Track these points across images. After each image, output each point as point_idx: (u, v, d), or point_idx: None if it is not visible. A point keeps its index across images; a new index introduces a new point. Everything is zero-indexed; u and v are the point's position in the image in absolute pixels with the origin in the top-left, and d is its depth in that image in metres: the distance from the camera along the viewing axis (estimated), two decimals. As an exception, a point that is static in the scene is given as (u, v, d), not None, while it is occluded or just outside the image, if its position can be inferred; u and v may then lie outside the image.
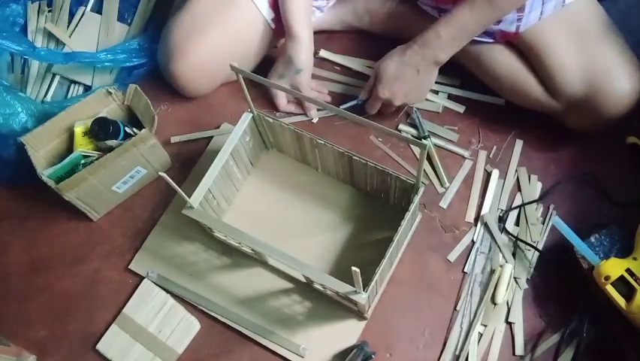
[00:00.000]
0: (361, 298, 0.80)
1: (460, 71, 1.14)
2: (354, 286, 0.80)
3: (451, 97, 1.15)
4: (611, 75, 0.94)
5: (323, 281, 0.82)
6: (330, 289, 0.84)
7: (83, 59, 1.11)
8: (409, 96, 1.03)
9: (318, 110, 1.14)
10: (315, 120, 1.13)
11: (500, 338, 0.94)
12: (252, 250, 0.92)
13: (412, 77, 1.00)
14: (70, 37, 1.22)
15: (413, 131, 1.11)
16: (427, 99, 1.14)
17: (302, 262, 0.83)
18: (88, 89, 1.19)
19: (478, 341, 0.94)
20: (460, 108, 1.13)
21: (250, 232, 0.87)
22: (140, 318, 0.98)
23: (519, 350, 0.93)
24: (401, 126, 1.12)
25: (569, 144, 1.08)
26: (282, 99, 1.13)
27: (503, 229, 1.01)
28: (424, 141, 1.07)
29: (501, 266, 0.98)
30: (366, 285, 0.81)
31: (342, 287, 0.81)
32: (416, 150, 1.10)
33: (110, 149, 0.98)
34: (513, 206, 1.04)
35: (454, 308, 0.97)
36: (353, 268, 0.72)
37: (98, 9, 1.24)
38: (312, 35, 1.06)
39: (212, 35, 1.04)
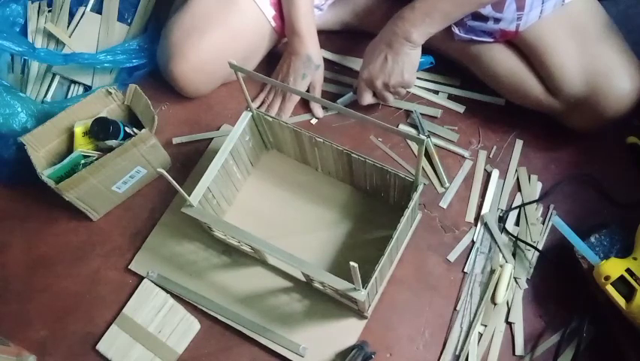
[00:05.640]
0: (360, 295, 0.80)
1: (460, 71, 1.14)
2: (353, 284, 0.80)
3: (451, 97, 1.15)
4: (611, 75, 0.94)
5: (322, 278, 0.82)
6: (330, 286, 0.84)
7: (83, 60, 1.11)
8: (389, 78, 1.02)
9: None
10: (320, 116, 1.13)
11: (500, 338, 0.94)
12: (252, 248, 0.92)
13: (384, 52, 1.00)
14: (70, 37, 1.22)
15: (413, 131, 1.11)
16: (427, 100, 1.14)
17: (301, 260, 0.83)
18: (88, 89, 1.20)
19: (478, 341, 0.94)
20: (460, 108, 1.13)
21: (250, 231, 0.87)
22: (140, 318, 0.98)
23: (519, 350, 0.93)
24: (401, 126, 1.12)
25: (569, 144, 1.08)
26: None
27: (503, 229, 1.01)
28: (421, 136, 1.07)
29: (501, 266, 0.98)
30: (365, 282, 0.81)
31: (341, 284, 0.81)
32: (416, 149, 1.10)
33: (110, 149, 0.98)
34: (513, 206, 1.04)
35: (454, 308, 0.97)
36: (351, 263, 0.72)
37: (98, 9, 1.24)
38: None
39: (213, 35, 1.04)
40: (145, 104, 1.03)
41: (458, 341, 0.94)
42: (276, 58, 1.15)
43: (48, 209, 1.08)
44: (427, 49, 1.03)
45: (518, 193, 1.05)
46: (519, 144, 1.09)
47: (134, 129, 1.04)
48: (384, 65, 1.01)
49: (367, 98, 1.07)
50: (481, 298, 0.97)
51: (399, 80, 1.02)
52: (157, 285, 1.00)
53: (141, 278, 1.01)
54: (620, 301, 0.86)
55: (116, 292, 1.01)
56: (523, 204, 1.03)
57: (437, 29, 0.97)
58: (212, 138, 1.13)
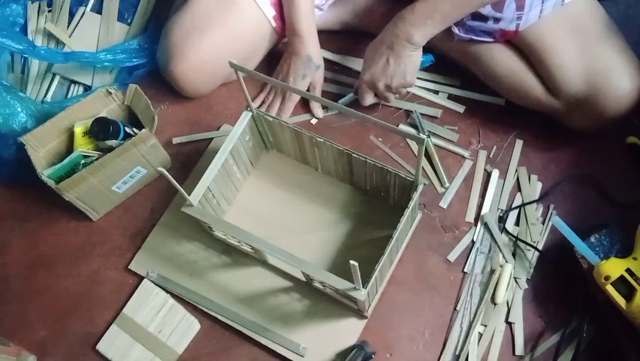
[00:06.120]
0: (360, 294, 0.80)
1: (460, 71, 1.14)
2: (353, 283, 0.80)
3: (451, 97, 1.15)
4: (612, 75, 0.94)
5: (322, 278, 0.82)
6: (330, 286, 0.84)
7: (83, 59, 1.11)
8: (392, 80, 1.02)
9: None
10: (320, 116, 1.13)
11: (500, 338, 0.94)
12: (252, 248, 0.92)
13: (386, 54, 1.00)
14: (70, 37, 1.23)
15: (413, 131, 1.11)
16: (427, 100, 1.14)
17: (301, 259, 0.83)
18: (88, 89, 1.20)
19: (478, 341, 0.94)
20: (460, 108, 1.13)
21: (250, 231, 0.87)
22: (140, 318, 0.98)
23: (519, 350, 0.93)
24: (401, 126, 1.12)
25: (569, 144, 1.08)
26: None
27: (503, 229, 1.01)
28: (421, 135, 1.07)
29: (501, 266, 0.98)
30: (365, 282, 0.81)
31: (341, 284, 0.81)
32: (416, 149, 1.10)
33: (110, 149, 0.98)
34: (513, 206, 1.04)
35: (454, 308, 0.97)
36: (351, 261, 0.72)
37: (98, 9, 1.24)
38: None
39: (213, 35, 1.04)
40: (145, 104, 1.03)
41: (458, 341, 0.94)
42: (276, 58, 1.15)
43: (48, 209, 1.08)
44: (427, 47, 1.03)
45: (518, 193, 1.05)
46: (519, 144, 1.09)
47: (134, 129, 1.04)
48: (386, 67, 1.01)
49: (369, 99, 1.07)
50: (481, 298, 0.97)
51: (401, 82, 1.02)
52: (157, 285, 1.00)
53: (141, 278, 1.01)
54: (620, 301, 0.86)
55: (116, 292, 1.01)
56: (523, 204, 1.03)
57: (438, 30, 0.97)
58: (212, 138, 1.13)
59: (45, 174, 0.97)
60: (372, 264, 0.83)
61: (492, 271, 0.99)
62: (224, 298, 0.98)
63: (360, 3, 1.18)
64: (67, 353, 0.98)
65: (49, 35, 1.23)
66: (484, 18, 1.00)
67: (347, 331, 0.95)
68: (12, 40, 1.07)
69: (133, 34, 1.22)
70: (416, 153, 1.09)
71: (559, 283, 0.97)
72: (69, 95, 1.20)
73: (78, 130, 1.03)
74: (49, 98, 1.19)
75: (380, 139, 1.11)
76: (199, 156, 1.11)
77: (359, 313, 0.95)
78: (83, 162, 1.00)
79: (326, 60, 1.15)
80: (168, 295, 0.99)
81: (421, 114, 1.12)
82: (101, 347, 0.97)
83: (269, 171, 1.08)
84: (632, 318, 0.86)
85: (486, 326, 0.95)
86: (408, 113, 1.13)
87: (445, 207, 1.04)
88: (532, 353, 0.93)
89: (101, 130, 1.01)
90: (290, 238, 0.98)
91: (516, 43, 1.01)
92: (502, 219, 1.02)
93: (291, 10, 1.04)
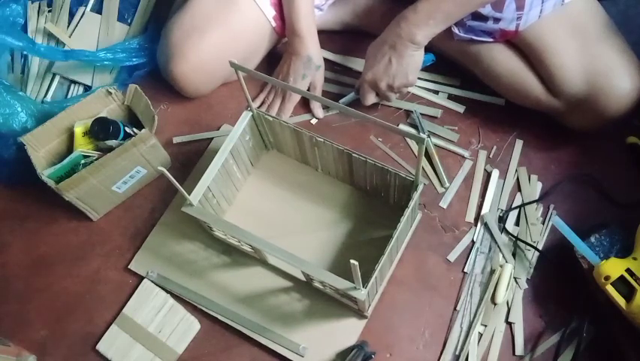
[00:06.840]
0: (360, 294, 0.80)
1: (460, 71, 1.14)
2: (353, 283, 0.80)
3: (451, 97, 1.15)
4: (612, 74, 0.94)
5: (322, 277, 0.82)
6: (330, 286, 0.84)
7: (83, 57, 1.11)
8: (394, 79, 1.02)
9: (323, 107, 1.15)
10: (321, 116, 1.13)
11: (500, 338, 0.94)
12: (252, 248, 0.92)
13: (388, 54, 1.00)
14: (70, 37, 1.22)
15: (413, 131, 1.11)
16: (427, 100, 1.14)
17: (301, 259, 0.83)
18: (88, 89, 1.20)
19: (478, 341, 0.94)
20: (460, 108, 1.13)
21: (250, 231, 0.87)
22: (140, 318, 0.98)
23: (519, 350, 0.93)
24: (401, 126, 1.12)
25: (569, 144, 1.08)
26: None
27: (503, 229, 1.01)
28: (421, 135, 1.07)
29: (501, 266, 0.98)
30: (365, 282, 0.81)
31: (342, 283, 0.81)
32: (416, 149, 1.10)
33: (110, 149, 0.98)
34: (513, 206, 1.04)
35: (454, 308, 0.97)
36: (352, 261, 0.72)
37: (98, 9, 1.24)
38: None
39: (213, 35, 1.04)
40: (145, 104, 1.03)
41: (458, 341, 0.94)
42: (276, 58, 1.15)
43: (48, 209, 1.08)
44: (426, 47, 1.03)
45: (518, 193, 1.05)
46: (519, 144, 1.09)
47: (134, 129, 1.04)
48: (388, 67, 1.01)
49: (370, 99, 1.08)
50: (481, 298, 0.97)
51: (403, 82, 1.02)
52: (157, 285, 1.00)
53: (141, 278, 1.01)
54: (620, 301, 0.86)
55: (116, 292, 1.01)
56: (523, 204, 1.03)
57: (440, 29, 0.97)
58: (212, 138, 1.13)
59: (45, 174, 0.97)
60: (372, 264, 0.83)
61: (492, 271, 0.99)
62: (224, 298, 0.98)
63: (360, 3, 1.18)
64: (67, 353, 0.98)
65: (49, 35, 1.23)
66: (484, 18, 1.00)
67: (347, 331, 0.95)
68: (12, 37, 1.07)
69: (133, 34, 1.22)
70: (416, 153, 1.09)
71: (559, 283, 0.97)
72: (69, 95, 1.20)
73: (78, 130, 1.03)
74: (49, 98, 1.19)
75: (380, 139, 1.11)
76: (199, 156, 1.11)
77: (359, 313, 0.95)
78: (83, 162, 1.00)
79: (326, 60, 1.15)
80: (168, 295, 0.99)
81: (421, 114, 1.12)
82: (101, 347, 0.97)
83: (269, 171, 1.08)
84: (632, 318, 0.86)
85: (486, 326, 0.95)
86: (408, 113, 1.13)
87: (445, 207, 1.04)
88: (532, 353, 0.93)
89: (101, 130, 1.01)
90: (290, 238, 0.98)
91: (516, 43, 1.01)
92: (502, 219, 1.02)
93: (291, 10, 1.04)
